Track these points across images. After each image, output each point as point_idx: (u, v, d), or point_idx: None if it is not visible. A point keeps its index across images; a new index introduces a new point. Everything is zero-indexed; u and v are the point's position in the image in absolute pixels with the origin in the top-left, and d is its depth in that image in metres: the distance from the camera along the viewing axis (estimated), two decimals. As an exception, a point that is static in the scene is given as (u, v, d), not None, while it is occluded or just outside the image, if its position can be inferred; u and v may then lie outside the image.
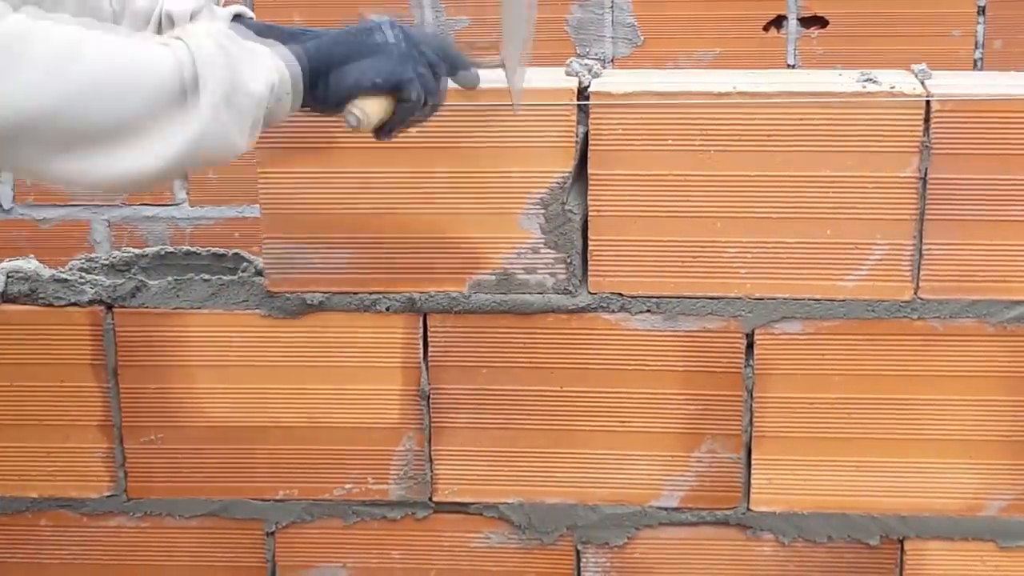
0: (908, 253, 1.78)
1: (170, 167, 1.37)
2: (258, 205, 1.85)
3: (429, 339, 1.86)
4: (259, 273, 1.88)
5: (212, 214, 3.56)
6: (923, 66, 1.82)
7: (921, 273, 1.78)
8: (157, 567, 1.98)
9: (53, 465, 1.95)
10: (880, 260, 1.78)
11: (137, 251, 1.97)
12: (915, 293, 1.79)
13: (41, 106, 1.29)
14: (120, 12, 1.78)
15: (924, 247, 1.77)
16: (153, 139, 1.35)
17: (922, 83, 1.77)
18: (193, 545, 1.97)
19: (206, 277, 1.89)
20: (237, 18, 1.79)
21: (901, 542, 1.88)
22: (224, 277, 1.89)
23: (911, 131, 1.74)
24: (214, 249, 1.97)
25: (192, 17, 1.77)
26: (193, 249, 1.98)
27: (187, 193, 3.54)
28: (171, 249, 1.98)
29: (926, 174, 1.75)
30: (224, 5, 1.83)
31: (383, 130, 1.59)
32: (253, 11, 3.33)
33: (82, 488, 1.96)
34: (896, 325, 1.80)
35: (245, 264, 1.92)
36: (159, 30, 1.78)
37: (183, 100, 1.36)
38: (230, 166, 3.70)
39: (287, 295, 1.86)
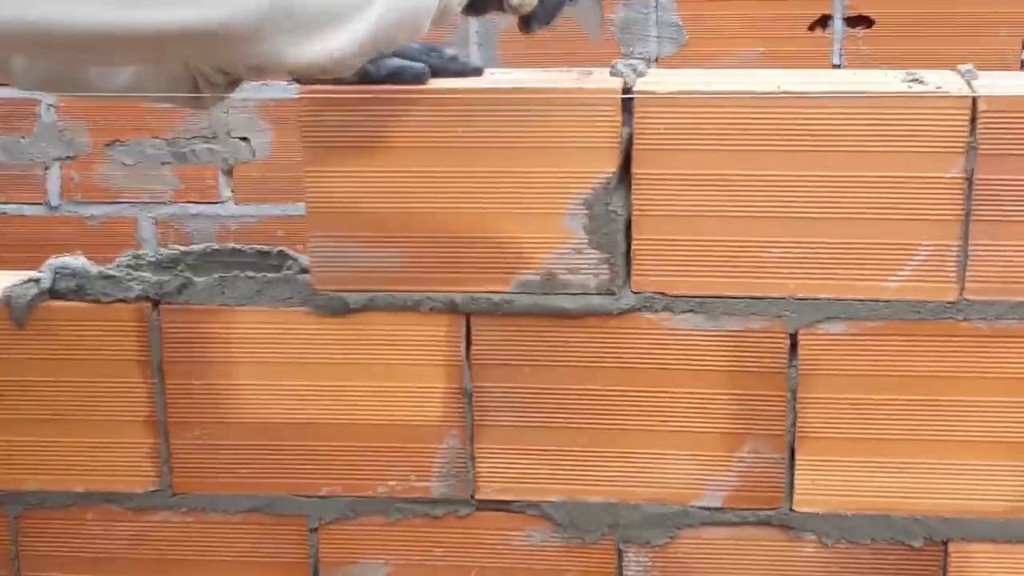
0: (953, 254, 1.77)
1: (364, 47, 1.63)
2: (302, 203, 1.86)
3: (472, 338, 1.87)
4: (304, 271, 1.89)
5: (256, 212, 3.58)
6: (970, 66, 1.81)
7: (967, 274, 1.77)
8: (202, 562, 1.99)
9: (99, 460, 1.96)
10: (925, 261, 1.77)
11: (183, 248, 1.98)
12: (960, 294, 1.78)
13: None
14: None
15: (970, 248, 1.77)
16: (351, 22, 1.60)
17: (968, 83, 1.76)
18: (237, 540, 1.98)
19: (251, 274, 1.90)
20: None
21: (945, 544, 1.87)
22: (269, 275, 1.90)
23: (957, 131, 1.73)
24: (259, 246, 1.98)
25: None
26: (238, 246, 1.99)
27: (232, 191, 3.56)
28: (217, 246, 1.99)
29: (972, 175, 1.74)
30: None
31: (531, 18, 1.78)
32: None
33: (128, 483, 1.97)
34: (941, 326, 1.79)
35: (290, 262, 1.93)
36: None
37: None
38: (274, 165, 3.72)
39: (332, 293, 1.87)
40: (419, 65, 1.79)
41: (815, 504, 1.87)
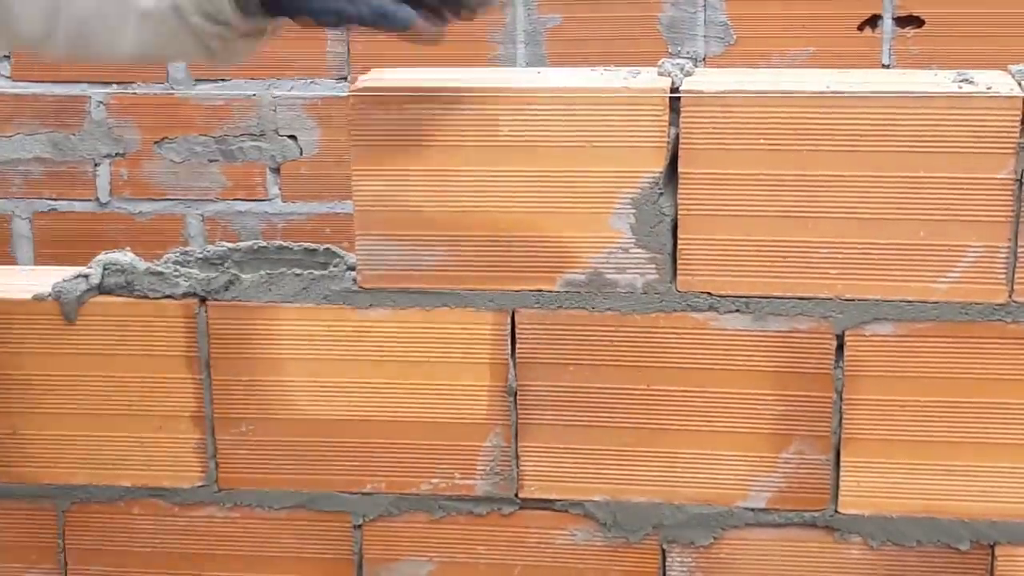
0: (1003, 256, 1.76)
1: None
2: (349, 201, 1.87)
3: (517, 336, 1.87)
4: (351, 268, 1.90)
5: (304, 209, 3.60)
6: (1021, 67, 1.80)
7: (1016, 276, 1.76)
8: (247, 557, 2.01)
9: (146, 454, 1.98)
10: (974, 262, 1.76)
11: (230, 245, 1.99)
12: (1010, 296, 1.77)
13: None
14: None
15: (1019, 250, 1.75)
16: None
17: (1019, 84, 1.75)
18: (282, 536, 1.99)
19: (298, 272, 1.91)
20: None
21: (992, 547, 1.86)
22: (316, 272, 1.91)
23: (1008, 132, 1.72)
24: (306, 244, 1.99)
25: None
26: (285, 244, 2.00)
27: (280, 188, 3.58)
28: (264, 244, 2.00)
29: (1023, 176, 1.73)
30: None
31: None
32: None
33: (174, 478, 1.99)
34: (990, 328, 1.78)
35: (337, 259, 1.94)
36: None
37: None
38: (322, 162, 3.72)
39: (378, 291, 1.87)
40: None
41: (861, 506, 1.86)
